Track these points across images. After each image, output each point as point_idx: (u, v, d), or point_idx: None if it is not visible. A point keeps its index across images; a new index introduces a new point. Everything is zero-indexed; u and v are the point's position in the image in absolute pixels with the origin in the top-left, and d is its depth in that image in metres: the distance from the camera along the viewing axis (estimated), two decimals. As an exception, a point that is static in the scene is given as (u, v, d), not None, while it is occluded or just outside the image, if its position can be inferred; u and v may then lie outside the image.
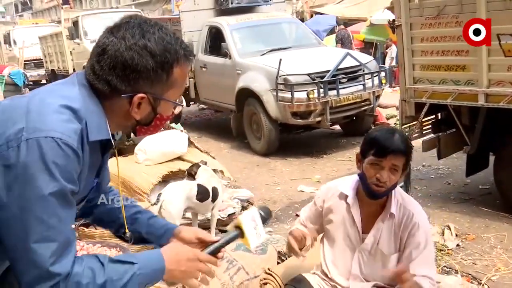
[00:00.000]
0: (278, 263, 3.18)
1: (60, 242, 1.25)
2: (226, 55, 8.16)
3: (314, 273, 2.37)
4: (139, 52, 1.30)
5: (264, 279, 2.59)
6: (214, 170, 4.67)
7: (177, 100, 1.46)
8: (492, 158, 4.93)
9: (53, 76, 17.29)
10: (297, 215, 3.65)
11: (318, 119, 7.13)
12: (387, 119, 8.94)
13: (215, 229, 4.30)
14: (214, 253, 1.55)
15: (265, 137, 7.48)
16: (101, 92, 1.35)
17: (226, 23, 8.54)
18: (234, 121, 8.38)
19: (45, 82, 17.85)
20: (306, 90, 6.95)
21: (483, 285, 3.54)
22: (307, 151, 7.68)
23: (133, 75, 1.32)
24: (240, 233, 1.62)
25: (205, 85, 8.99)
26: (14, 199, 1.22)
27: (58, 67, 16.58)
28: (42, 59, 18.11)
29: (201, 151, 5.48)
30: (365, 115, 7.87)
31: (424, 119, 5.19)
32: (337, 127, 8.51)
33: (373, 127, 8.28)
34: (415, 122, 5.20)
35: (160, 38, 1.33)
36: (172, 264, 1.42)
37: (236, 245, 3.50)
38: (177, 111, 1.70)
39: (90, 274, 1.27)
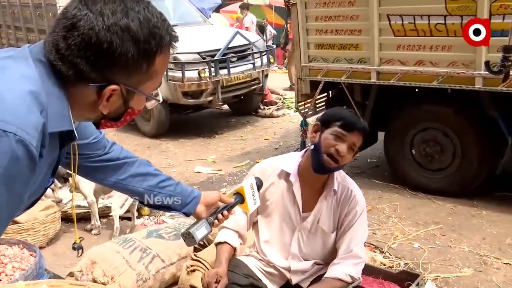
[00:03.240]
0: (195, 248, 3.05)
1: None
2: (108, 32, 7.67)
3: (248, 255, 2.28)
4: (119, 35, 1.04)
5: (191, 266, 2.45)
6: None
7: (153, 94, 1.22)
8: (381, 134, 5.21)
9: None
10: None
11: (210, 98, 7.04)
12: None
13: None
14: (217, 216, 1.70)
15: (155, 118, 7.21)
16: (64, 75, 1.07)
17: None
18: (120, 102, 7.95)
19: None
20: (197, 69, 6.80)
21: (385, 253, 3.75)
22: (198, 131, 7.57)
23: (108, 61, 1.06)
24: (241, 199, 1.75)
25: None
26: None
27: None
28: None
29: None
30: (254, 94, 7.92)
31: (318, 97, 5.35)
32: (225, 106, 8.48)
33: (261, 106, 8.40)
34: (310, 100, 5.34)
35: (146, 19, 1.07)
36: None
37: (147, 232, 3.33)
38: (150, 105, 1.43)
39: None
